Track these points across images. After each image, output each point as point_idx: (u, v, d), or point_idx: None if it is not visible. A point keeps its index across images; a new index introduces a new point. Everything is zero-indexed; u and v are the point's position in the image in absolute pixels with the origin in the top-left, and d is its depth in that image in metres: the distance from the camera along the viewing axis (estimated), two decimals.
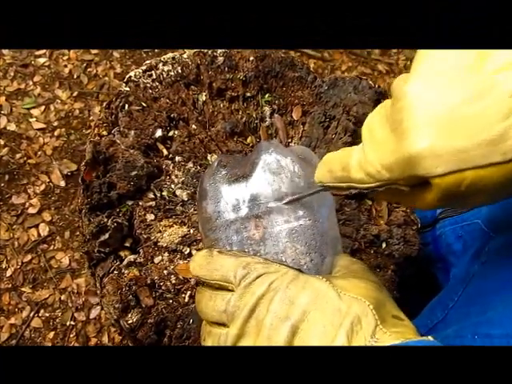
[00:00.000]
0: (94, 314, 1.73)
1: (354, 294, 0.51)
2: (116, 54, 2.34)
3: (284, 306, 0.50)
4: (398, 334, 0.48)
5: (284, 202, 0.64)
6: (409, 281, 0.93)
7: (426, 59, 0.45)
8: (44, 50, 2.28)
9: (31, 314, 1.73)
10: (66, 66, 2.27)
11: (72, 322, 1.72)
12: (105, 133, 0.90)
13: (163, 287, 0.80)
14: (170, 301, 0.79)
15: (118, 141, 0.88)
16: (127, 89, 0.93)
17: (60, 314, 1.75)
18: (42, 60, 2.27)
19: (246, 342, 0.52)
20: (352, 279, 0.56)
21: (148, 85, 0.94)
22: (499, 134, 0.40)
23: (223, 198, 0.66)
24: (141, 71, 0.95)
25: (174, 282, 0.81)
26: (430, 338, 0.48)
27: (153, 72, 0.95)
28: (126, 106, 0.92)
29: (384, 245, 0.91)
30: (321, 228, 0.65)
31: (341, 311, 0.49)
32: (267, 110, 0.98)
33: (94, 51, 2.32)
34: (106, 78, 2.26)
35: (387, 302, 0.54)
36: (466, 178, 0.42)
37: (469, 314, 0.75)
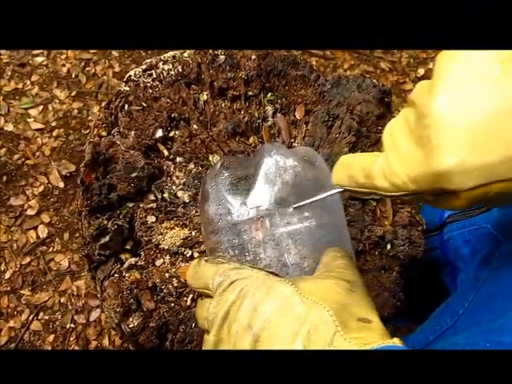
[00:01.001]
0: (94, 316, 1.72)
1: (317, 297, 0.51)
2: (115, 52, 2.33)
3: (248, 313, 0.51)
4: (359, 339, 0.47)
5: (295, 205, 0.64)
6: (414, 283, 0.93)
7: (449, 67, 0.45)
8: (41, 50, 2.27)
9: (30, 317, 1.73)
10: (64, 65, 2.27)
11: (72, 325, 1.72)
12: (104, 133, 0.90)
13: (165, 290, 0.80)
14: (172, 304, 0.79)
15: (118, 141, 0.88)
16: (127, 88, 0.92)
17: (60, 316, 1.74)
18: (39, 59, 2.26)
19: (222, 348, 0.54)
20: (320, 280, 0.56)
21: (148, 84, 0.94)
22: None
23: (225, 200, 0.66)
24: (141, 70, 0.94)
25: (175, 285, 0.80)
26: (395, 340, 0.47)
27: (153, 71, 0.95)
28: (126, 105, 0.91)
29: (389, 246, 0.91)
30: (327, 229, 0.65)
31: (300, 317, 0.49)
32: (269, 109, 0.97)
33: (93, 50, 2.31)
34: (105, 78, 2.26)
35: (354, 305, 0.53)
36: (493, 190, 0.43)
37: (479, 321, 0.74)
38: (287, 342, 0.48)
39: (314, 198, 0.63)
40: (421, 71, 2.41)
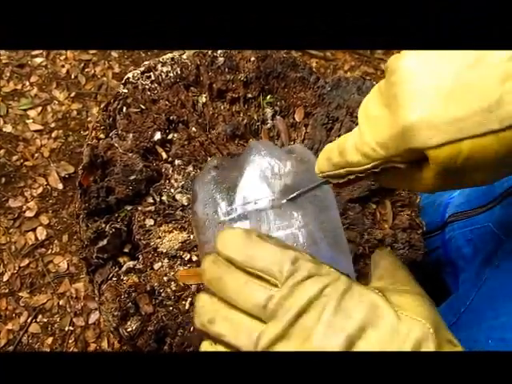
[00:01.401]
0: (93, 318, 1.73)
1: (412, 313, 0.48)
2: (114, 53, 2.34)
3: (339, 317, 0.47)
4: None
5: (284, 200, 0.63)
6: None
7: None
8: (41, 50, 2.28)
9: (29, 320, 1.73)
10: (63, 66, 2.27)
11: (71, 328, 1.72)
12: (102, 136, 0.90)
13: (163, 294, 0.79)
14: (171, 308, 0.79)
15: (116, 144, 0.88)
16: (125, 90, 0.92)
17: (58, 319, 1.75)
18: (38, 60, 2.27)
19: (286, 345, 0.47)
20: (406, 295, 0.53)
21: (146, 86, 0.93)
22: (495, 99, 0.39)
23: (212, 200, 0.66)
24: (139, 72, 0.94)
25: (174, 288, 0.80)
26: None
27: (151, 73, 0.95)
28: (124, 108, 0.91)
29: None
30: (317, 230, 0.64)
31: (399, 333, 0.46)
32: (269, 111, 0.97)
33: (92, 51, 2.31)
34: (105, 79, 2.26)
35: (442, 324, 0.51)
36: (463, 150, 0.41)
37: (481, 319, 0.74)
38: None
39: (298, 192, 0.63)
40: None
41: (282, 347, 0.47)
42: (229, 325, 0.50)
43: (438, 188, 0.47)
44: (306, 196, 0.64)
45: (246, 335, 0.49)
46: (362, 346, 0.46)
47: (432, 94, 0.41)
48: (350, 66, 2.45)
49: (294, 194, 0.63)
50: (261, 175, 0.64)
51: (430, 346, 0.46)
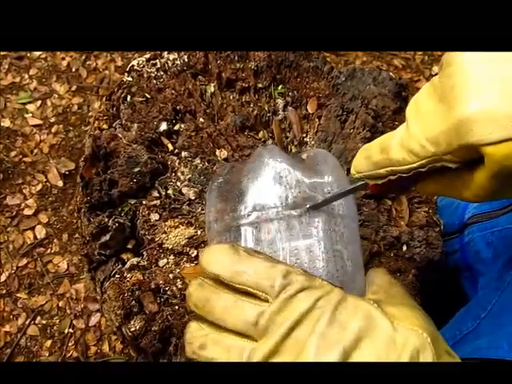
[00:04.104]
0: (93, 321, 1.72)
1: (408, 324, 0.49)
2: None
3: (334, 329, 0.47)
4: None
5: (309, 206, 0.61)
6: (431, 286, 0.91)
7: None
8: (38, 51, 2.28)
9: (27, 322, 1.73)
10: (63, 58, 2.27)
11: (70, 330, 1.72)
12: (105, 126, 0.90)
13: (168, 292, 0.79)
14: (176, 307, 0.78)
15: (120, 135, 0.87)
16: (130, 79, 0.92)
17: (58, 321, 1.74)
18: (38, 52, 2.26)
19: (279, 360, 0.48)
20: (401, 307, 0.53)
21: (152, 74, 0.93)
22: None
23: (220, 206, 0.65)
24: (144, 60, 0.94)
25: (180, 286, 0.79)
26: None
27: (157, 61, 0.94)
28: (129, 97, 0.91)
29: (405, 247, 0.90)
30: (334, 240, 0.63)
31: (396, 343, 0.47)
32: (280, 102, 0.96)
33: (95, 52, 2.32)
34: (107, 72, 2.25)
35: (439, 336, 0.51)
36: None
37: (503, 324, 0.73)
38: None
39: (324, 198, 0.61)
40: (435, 69, 2.39)
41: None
42: (220, 348, 0.50)
43: (489, 195, 0.45)
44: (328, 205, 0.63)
45: (237, 355, 0.49)
46: (358, 358, 0.46)
47: (494, 86, 0.39)
48: (361, 61, 2.44)
49: (319, 201, 0.61)
50: (266, 182, 0.63)
51: (427, 356, 0.46)
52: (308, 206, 0.61)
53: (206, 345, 0.51)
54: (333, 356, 0.45)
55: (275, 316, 0.48)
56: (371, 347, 0.46)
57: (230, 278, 0.51)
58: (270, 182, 0.63)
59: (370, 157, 0.53)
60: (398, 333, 0.47)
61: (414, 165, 0.46)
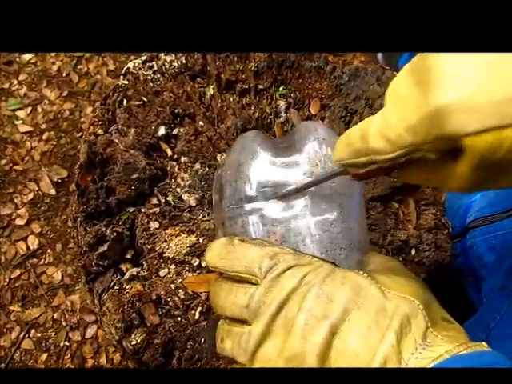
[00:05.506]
0: (90, 333, 1.72)
1: (400, 292, 0.49)
2: None
3: (321, 303, 0.48)
4: (450, 338, 0.46)
5: (286, 190, 0.63)
6: (440, 290, 0.91)
7: None
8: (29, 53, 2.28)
9: (21, 335, 1.73)
10: (53, 63, 2.27)
11: (66, 343, 1.72)
12: (101, 132, 0.89)
13: (170, 303, 0.78)
14: (179, 318, 0.78)
15: (117, 140, 0.87)
16: (125, 82, 0.92)
17: (53, 334, 1.74)
18: (27, 57, 2.26)
19: (272, 342, 0.50)
20: (394, 276, 0.54)
21: (149, 77, 0.93)
22: None
23: (249, 176, 0.64)
24: (140, 62, 0.94)
25: (182, 297, 0.79)
26: (483, 344, 0.45)
27: (154, 63, 0.94)
28: (125, 101, 0.91)
29: (413, 251, 0.90)
30: (344, 224, 0.63)
31: (386, 311, 0.47)
32: (282, 104, 0.96)
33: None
34: (99, 76, 2.25)
35: (434, 303, 0.52)
36: (507, 139, 0.36)
37: None
38: (376, 335, 0.46)
39: (308, 182, 0.62)
40: None
41: (269, 346, 0.50)
42: (229, 339, 0.54)
43: (471, 186, 0.43)
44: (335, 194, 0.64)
45: (237, 344, 0.52)
46: (346, 330, 0.47)
47: (474, 70, 0.37)
48: (359, 61, 2.43)
49: (300, 186, 0.62)
50: (266, 166, 0.64)
51: (420, 322, 0.47)
52: (287, 189, 0.63)
53: (223, 337, 0.55)
54: (321, 331, 0.47)
55: (264, 297, 0.50)
56: (360, 318, 0.47)
57: (225, 268, 0.55)
58: (262, 169, 0.64)
59: (351, 144, 0.50)
60: (388, 301, 0.48)
61: (393, 154, 0.44)
